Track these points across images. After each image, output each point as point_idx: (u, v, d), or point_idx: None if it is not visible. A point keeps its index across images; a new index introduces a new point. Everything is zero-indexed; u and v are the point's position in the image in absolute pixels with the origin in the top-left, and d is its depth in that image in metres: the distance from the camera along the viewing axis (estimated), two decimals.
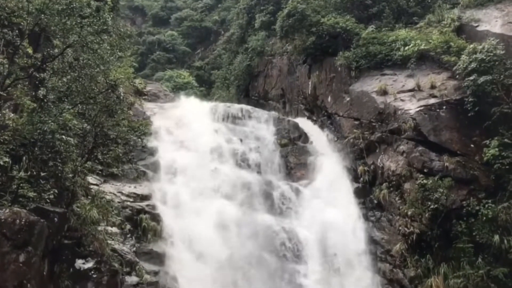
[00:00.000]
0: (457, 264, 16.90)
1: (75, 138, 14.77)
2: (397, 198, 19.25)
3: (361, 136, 21.17)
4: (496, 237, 16.38)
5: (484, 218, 16.77)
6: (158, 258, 16.79)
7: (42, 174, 13.52)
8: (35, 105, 13.85)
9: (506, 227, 16.54)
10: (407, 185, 18.78)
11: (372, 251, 19.11)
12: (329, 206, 20.40)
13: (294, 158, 22.33)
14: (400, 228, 18.68)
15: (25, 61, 13.97)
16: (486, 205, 16.92)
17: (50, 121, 13.45)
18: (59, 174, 14.19)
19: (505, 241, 16.25)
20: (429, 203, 17.47)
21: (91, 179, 17.00)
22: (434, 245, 17.64)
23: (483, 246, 16.78)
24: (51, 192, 13.51)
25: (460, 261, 16.85)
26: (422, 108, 19.35)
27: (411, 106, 19.70)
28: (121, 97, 16.49)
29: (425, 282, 17.28)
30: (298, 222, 19.89)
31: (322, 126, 24.46)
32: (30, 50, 14.22)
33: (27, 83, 14.35)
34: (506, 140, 17.47)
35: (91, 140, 15.73)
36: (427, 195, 17.61)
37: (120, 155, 16.63)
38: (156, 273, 16.17)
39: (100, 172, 17.36)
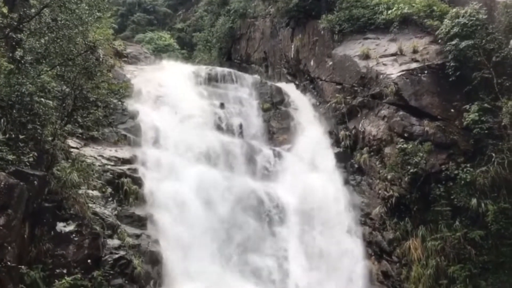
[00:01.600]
0: (435, 226, 17.22)
1: (54, 101, 14.58)
2: (377, 162, 19.42)
3: (343, 101, 21.17)
4: (474, 201, 16.66)
5: (463, 182, 17.02)
6: (140, 222, 16.77)
7: (21, 137, 13.36)
8: (12, 66, 13.58)
9: (483, 191, 16.81)
10: (387, 150, 18.94)
11: (352, 214, 19.36)
12: (311, 170, 20.56)
13: (277, 123, 22.34)
14: (379, 191, 18.92)
15: (1, 21, 13.61)
16: (465, 169, 17.15)
17: (28, 83, 13.25)
18: (39, 137, 14.04)
19: (482, 205, 16.54)
20: (409, 167, 17.65)
21: (71, 142, 16.84)
22: (413, 208, 17.91)
23: (461, 209, 17.08)
24: (31, 155, 13.39)
25: (438, 223, 17.16)
26: (404, 72, 19.36)
27: (393, 71, 19.70)
28: (101, 59, 16.24)
29: (403, 244, 17.63)
30: (280, 186, 20.03)
31: (304, 91, 24.41)
32: (5, 10, 13.83)
33: (3, 44, 14.02)
34: (486, 105, 17.60)
35: (70, 102, 15.54)
36: (407, 159, 17.77)
37: (100, 118, 16.47)
38: (138, 236, 16.19)
39: (80, 135, 17.20)
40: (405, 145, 17.91)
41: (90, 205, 15.35)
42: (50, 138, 14.57)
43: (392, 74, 19.56)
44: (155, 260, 16.00)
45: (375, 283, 17.88)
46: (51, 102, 14.20)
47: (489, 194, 16.80)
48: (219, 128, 21.03)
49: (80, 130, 16.93)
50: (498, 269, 16.32)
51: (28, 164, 13.39)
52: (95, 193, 16.08)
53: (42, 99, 13.90)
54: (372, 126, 19.75)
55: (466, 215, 17.06)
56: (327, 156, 20.81)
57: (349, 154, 20.61)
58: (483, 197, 16.76)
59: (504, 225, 16.31)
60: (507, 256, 16.23)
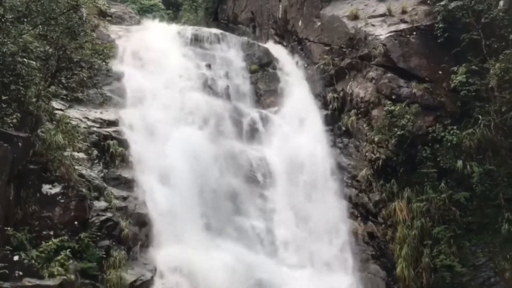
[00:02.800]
0: (421, 188, 17.35)
1: (37, 61, 14.33)
2: (364, 125, 19.42)
3: (331, 62, 20.97)
4: (460, 163, 16.76)
5: (449, 144, 17.07)
6: (127, 184, 16.72)
7: (4, 97, 13.15)
8: None
9: (469, 153, 16.89)
10: (375, 112, 18.91)
11: (339, 176, 19.46)
12: (298, 133, 20.50)
13: (264, 85, 22.13)
14: (366, 154, 18.98)
15: None
16: (451, 131, 17.17)
17: (9, 43, 12.96)
18: (22, 98, 13.84)
19: (468, 166, 16.64)
20: (396, 129, 17.66)
21: (55, 104, 16.59)
22: (399, 170, 18.01)
23: (446, 171, 17.20)
24: (14, 116, 13.19)
25: (423, 185, 17.28)
26: (392, 33, 19.18)
27: (381, 32, 19.51)
28: (84, 19, 15.86)
29: (389, 206, 17.79)
30: (267, 149, 20.00)
31: (292, 52, 24.12)
32: None
33: None
34: (473, 67, 17.52)
35: (54, 63, 15.28)
36: (394, 121, 17.77)
37: (85, 79, 16.22)
38: (125, 198, 16.16)
39: (64, 97, 16.91)
40: (392, 107, 17.87)
41: (76, 167, 15.24)
42: (33, 100, 14.38)
43: (380, 35, 19.37)
44: (142, 222, 16.02)
45: (360, 244, 18.10)
46: (34, 62, 13.95)
47: (474, 156, 16.90)
48: (205, 90, 20.75)
49: (64, 92, 16.66)
50: (482, 230, 16.55)
51: (11, 125, 13.22)
52: (81, 155, 15.96)
53: (25, 60, 13.65)
54: (360, 88, 19.67)
55: (451, 177, 17.19)
56: (315, 119, 20.73)
57: (336, 116, 20.55)
58: (469, 159, 16.85)
59: (489, 187, 16.47)
60: (491, 217, 16.44)
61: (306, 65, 22.87)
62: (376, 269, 17.52)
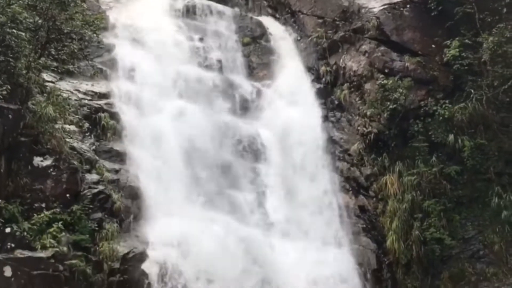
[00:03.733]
0: (412, 162, 17.45)
1: (27, 33, 14.16)
2: (357, 99, 19.42)
3: (324, 35, 20.84)
4: (451, 137, 16.84)
5: (441, 118, 17.13)
6: (119, 157, 16.65)
7: None
8: None
9: (461, 127, 16.97)
10: (367, 86, 18.91)
11: (331, 150, 19.47)
12: (291, 107, 20.40)
13: (257, 58, 21.94)
14: (359, 128, 19.02)
15: None
16: (443, 105, 17.22)
17: None
18: (12, 70, 13.71)
19: (459, 140, 16.74)
20: (388, 103, 17.68)
21: (46, 76, 16.42)
22: (391, 144, 18.09)
23: (438, 145, 17.29)
24: (4, 88, 13.07)
25: (415, 159, 17.39)
26: (386, 6, 19.11)
27: (375, 5, 19.41)
28: None
29: (380, 180, 17.92)
30: (260, 122, 19.91)
31: (285, 25, 23.87)
32: None
33: None
34: (466, 40, 17.50)
35: (43, 34, 15.10)
36: (386, 95, 17.78)
37: (75, 51, 16.05)
38: (116, 171, 16.11)
39: (55, 69, 16.73)
40: (385, 81, 17.87)
41: (67, 139, 15.17)
42: (24, 71, 14.22)
43: (374, 8, 19.28)
44: (134, 194, 15.99)
45: (351, 217, 18.22)
46: (23, 33, 13.78)
47: (466, 130, 16.99)
48: (197, 62, 20.57)
49: (55, 64, 16.47)
50: (472, 203, 16.73)
51: (1, 97, 13.11)
52: (72, 127, 15.88)
53: (14, 31, 13.48)
54: (353, 62, 19.60)
55: (442, 151, 17.29)
56: (307, 92, 20.65)
57: (329, 90, 20.50)
58: (460, 133, 16.94)
59: (480, 161, 16.60)
60: (482, 191, 16.61)
61: (299, 38, 22.69)
62: (366, 242, 17.67)
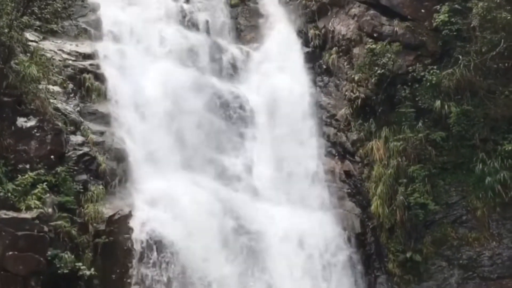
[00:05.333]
0: (398, 128, 17.46)
1: None
2: (345, 63, 19.29)
3: None
4: (438, 103, 16.83)
5: (428, 83, 17.07)
6: (104, 119, 16.49)
7: None
8: None
9: (448, 93, 16.94)
10: (356, 50, 18.75)
11: (318, 115, 19.45)
12: (279, 71, 20.22)
13: (245, 20, 21.61)
14: (346, 93, 18.95)
15: None
16: (431, 71, 17.14)
17: None
18: None
19: (446, 106, 16.74)
20: (376, 68, 17.57)
21: (29, 35, 16.08)
22: (378, 109, 18.07)
23: (424, 111, 17.29)
24: None
25: (401, 125, 17.38)
26: None
27: None
28: None
29: (367, 145, 17.94)
30: (247, 86, 19.75)
31: None
32: None
33: None
34: (456, 6, 17.34)
35: None
36: (374, 60, 17.65)
37: (59, 9, 15.78)
38: (102, 133, 15.98)
39: (38, 28, 16.43)
40: (373, 46, 17.70)
41: (51, 100, 14.98)
42: (6, 30, 13.93)
43: None
44: (120, 157, 15.91)
45: (337, 182, 18.32)
46: None
47: (453, 97, 16.97)
48: (184, 24, 20.15)
49: (38, 23, 16.18)
50: (457, 169, 16.85)
51: None
52: (56, 88, 15.66)
53: None
54: (342, 25, 19.38)
55: (429, 117, 17.31)
56: (296, 56, 20.47)
57: (317, 54, 20.34)
58: (447, 99, 16.93)
59: (465, 127, 16.66)
60: (466, 157, 16.72)
61: (288, 0, 22.34)
62: (351, 206, 17.83)
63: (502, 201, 15.71)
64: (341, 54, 19.39)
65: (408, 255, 16.17)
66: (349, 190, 18.22)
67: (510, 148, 15.46)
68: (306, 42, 20.75)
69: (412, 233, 16.50)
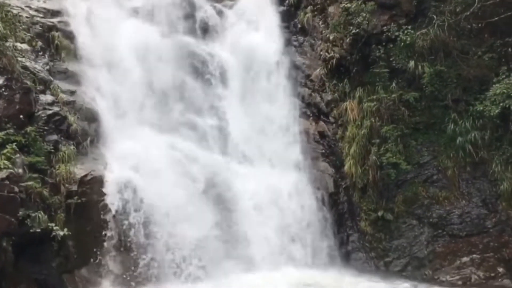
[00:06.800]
0: (372, 88, 17.53)
1: None
2: (320, 22, 19.13)
3: None
4: (412, 63, 16.86)
5: (402, 44, 17.03)
6: (74, 78, 16.11)
7: None
8: None
9: (421, 53, 16.96)
10: (331, 9, 18.58)
11: (293, 76, 19.36)
12: (253, 30, 19.97)
13: None
14: (321, 53, 18.86)
15: None
16: (406, 31, 17.07)
17: None
18: None
19: (420, 67, 16.78)
20: (351, 27, 17.49)
21: None
22: (352, 70, 18.07)
23: (398, 72, 17.33)
24: None
25: (375, 85, 17.45)
26: None
27: None
28: None
29: (341, 106, 18.04)
30: (221, 45, 19.48)
31: None
32: None
33: None
34: None
35: None
36: (349, 19, 17.54)
37: None
38: (72, 93, 15.62)
39: None
40: (348, 4, 17.56)
41: (19, 58, 14.52)
42: None
43: None
44: (91, 117, 15.62)
45: (311, 143, 18.39)
46: None
47: (426, 57, 17.00)
48: None
49: None
50: (429, 129, 17.05)
51: None
52: (24, 46, 15.18)
53: None
54: None
55: (403, 77, 17.37)
56: (270, 15, 20.20)
57: (293, 13, 20.14)
58: (421, 59, 16.96)
59: (438, 88, 16.76)
60: (438, 117, 16.90)
61: None
62: (325, 167, 17.96)
63: (473, 161, 15.98)
64: (316, 13, 19.20)
65: (379, 214, 16.45)
66: (323, 151, 18.31)
67: (481, 108, 15.60)
68: (281, 1, 20.50)
69: (384, 193, 16.75)
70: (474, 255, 15.08)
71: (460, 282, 14.64)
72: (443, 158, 16.49)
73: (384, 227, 16.46)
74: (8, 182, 12.54)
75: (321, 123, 18.74)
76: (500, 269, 14.50)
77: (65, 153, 14.20)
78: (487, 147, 15.85)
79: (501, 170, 15.37)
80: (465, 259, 15.11)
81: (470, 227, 15.67)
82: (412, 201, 16.45)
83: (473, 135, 15.85)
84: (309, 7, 19.41)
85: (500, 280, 14.32)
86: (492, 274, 14.50)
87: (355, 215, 17.09)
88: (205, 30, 19.62)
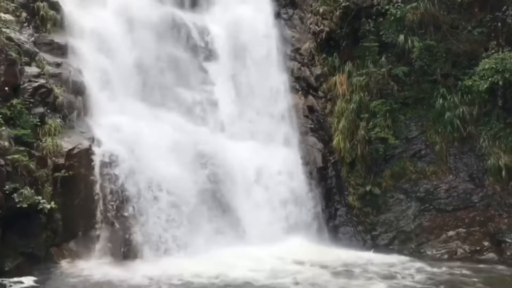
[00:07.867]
0: (362, 62, 17.52)
1: None
2: None
3: None
4: (401, 37, 16.81)
5: (392, 17, 16.98)
6: (60, 50, 15.79)
7: None
8: None
9: (411, 27, 16.92)
10: None
11: (282, 49, 19.20)
12: (242, 2, 19.67)
13: None
14: (311, 26, 18.72)
15: None
16: (396, 5, 17.01)
17: None
18: None
19: (409, 41, 16.75)
20: (341, 0, 17.34)
21: None
22: (342, 43, 17.99)
23: (388, 46, 17.30)
24: None
25: (364, 59, 17.43)
26: None
27: None
28: None
29: (330, 80, 18.02)
30: (210, 18, 19.23)
31: None
32: None
33: None
34: None
35: None
36: None
37: None
38: (58, 65, 15.34)
39: None
40: None
41: (4, 29, 14.17)
42: None
43: None
44: (78, 90, 15.35)
45: (300, 117, 18.37)
46: None
47: (416, 31, 16.98)
48: None
49: None
50: (417, 104, 17.10)
51: None
52: (8, 17, 14.82)
53: None
54: None
55: (392, 52, 17.35)
56: None
57: None
58: (411, 33, 16.93)
59: (428, 62, 16.78)
60: (427, 92, 16.94)
61: None
62: (313, 141, 17.97)
63: (460, 136, 16.07)
64: None
65: (367, 188, 16.55)
66: (311, 125, 18.30)
67: (470, 83, 15.63)
68: None
69: (372, 167, 16.83)
70: (460, 229, 15.27)
71: (446, 256, 14.84)
72: (431, 133, 16.56)
73: (372, 202, 16.58)
74: None
75: (310, 97, 18.68)
76: (486, 243, 14.71)
77: (51, 126, 14.01)
78: (475, 122, 15.93)
79: (488, 145, 15.48)
80: (451, 233, 15.30)
81: (457, 201, 15.83)
82: (400, 175, 16.55)
83: (461, 110, 15.91)
84: None
85: (485, 253, 14.53)
86: (478, 248, 14.71)
87: (343, 189, 17.17)
88: (194, 2, 19.38)
